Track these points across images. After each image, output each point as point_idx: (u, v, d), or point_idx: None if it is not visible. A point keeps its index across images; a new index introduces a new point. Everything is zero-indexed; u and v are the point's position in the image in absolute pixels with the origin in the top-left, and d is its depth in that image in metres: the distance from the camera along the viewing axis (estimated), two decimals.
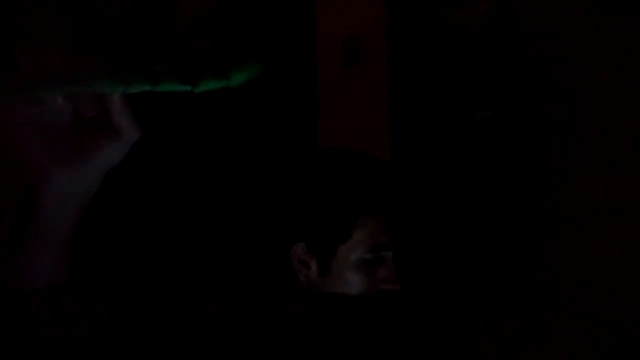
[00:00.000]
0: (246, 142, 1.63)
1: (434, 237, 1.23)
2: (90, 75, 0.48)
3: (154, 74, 0.48)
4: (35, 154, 0.49)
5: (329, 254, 0.86)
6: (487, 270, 1.16)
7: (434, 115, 1.31)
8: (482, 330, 0.78)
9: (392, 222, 0.87)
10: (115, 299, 0.68)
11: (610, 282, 1.00)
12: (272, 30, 1.72)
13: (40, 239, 0.52)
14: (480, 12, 1.25)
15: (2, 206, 0.53)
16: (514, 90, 1.17)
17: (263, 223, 1.03)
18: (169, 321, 0.76)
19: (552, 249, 1.09)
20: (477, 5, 1.25)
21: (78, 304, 0.58)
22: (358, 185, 0.88)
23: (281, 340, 0.78)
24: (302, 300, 0.82)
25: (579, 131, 1.08)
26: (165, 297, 0.80)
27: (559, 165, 1.10)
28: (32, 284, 0.53)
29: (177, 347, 0.75)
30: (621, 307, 0.93)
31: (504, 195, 1.17)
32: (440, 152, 1.28)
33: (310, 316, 0.79)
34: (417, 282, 1.19)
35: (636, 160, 1.01)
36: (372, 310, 0.83)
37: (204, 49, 0.51)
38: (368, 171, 0.90)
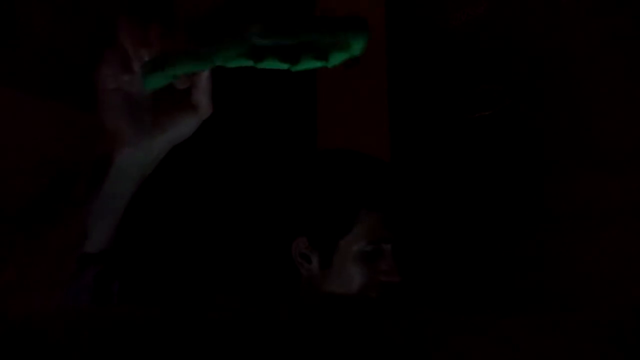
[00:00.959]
0: (246, 142, 1.63)
1: (434, 236, 1.23)
2: (204, 50, 0.48)
3: (258, 49, 0.49)
4: (116, 121, 0.50)
5: (330, 247, 0.87)
6: (487, 270, 1.16)
7: (434, 115, 1.31)
8: (482, 330, 0.78)
9: (391, 217, 0.88)
10: (141, 280, 0.67)
11: (611, 282, 1.00)
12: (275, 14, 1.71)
13: (103, 205, 0.53)
14: (479, 12, 1.25)
15: (81, 166, 0.54)
16: (514, 90, 1.17)
17: (265, 218, 1.04)
18: (164, 322, 0.76)
19: (552, 248, 1.09)
20: (477, 6, 1.25)
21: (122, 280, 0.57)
22: (359, 181, 0.89)
23: (280, 340, 0.78)
24: (301, 302, 0.82)
25: (579, 131, 1.08)
26: (162, 296, 0.79)
27: (559, 165, 1.10)
28: (87, 249, 0.54)
29: (173, 349, 0.75)
30: (622, 307, 0.93)
31: (503, 195, 1.17)
32: (440, 152, 1.28)
33: (309, 316, 0.79)
34: (417, 281, 1.19)
35: (637, 160, 1.01)
36: (372, 310, 0.83)
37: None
38: (368, 168, 0.91)
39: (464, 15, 1.27)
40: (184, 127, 0.53)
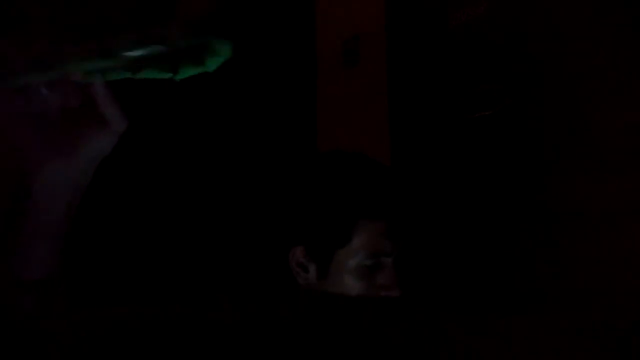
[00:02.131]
0: (246, 142, 1.63)
1: (434, 236, 1.23)
2: (71, 61, 0.48)
3: (134, 61, 0.49)
4: (25, 143, 0.50)
5: (327, 258, 0.85)
6: (487, 270, 1.16)
7: (434, 115, 1.30)
8: (482, 330, 0.78)
9: (393, 228, 0.85)
10: (108, 297, 0.67)
11: (611, 283, 1.00)
12: (272, 30, 1.72)
13: (33, 230, 0.52)
14: (480, 12, 1.25)
15: None
16: (514, 90, 1.17)
17: (263, 225, 1.03)
18: (164, 322, 0.76)
19: (552, 249, 1.09)
20: (477, 6, 1.25)
21: (70, 302, 0.57)
22: (358, 189, 0.87)
23: (279, 342, 0.78)
24: (300, 302, 0.82)
25: (579, 131, 1.08)
26: (161, 297, 0.79)
27: (559, 166, 1.10)
28: (26, 275, 0.53)
29: (172, 349, 0.75)
30: (622, 307, 0.93)
31: (503, 195, 1.17)
32: (440, 152, 1.28)
33: (308, 317, 0.79)
34: (417, 282, 1.19)
35: (637, 160, 1.01)
36: (371, 311, 0.83)
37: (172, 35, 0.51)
38: (369, 175, 0.88)
39: (464, 15, 1.27)
40: (99, 143, 0.52)
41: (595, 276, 1.02)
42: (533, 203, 1.13)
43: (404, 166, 1.34)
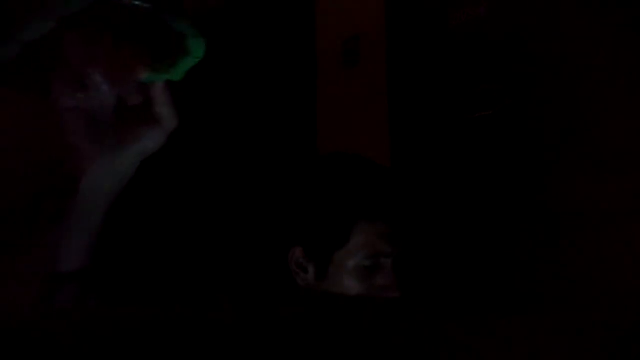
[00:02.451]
0: (246, 142, 1.63)
1: (434, 236, 1.23)
2: (134, 64, 0.49)
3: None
4: (79, 140, 0.51)
5: (326, 259, 0.85)
6: (487, 270, 1.16)
7: (434, 115, 1.30)
8: (482, 330, 0.78)
9: (393, 230, 0.85)
10: (121, 295, 0.68)
11: (611, 283, 1.00)
12: (272, 30, 1.72)
13: (76, 223, 0.53)
14: (480, 12, 1.25)
15: (45, 190, 0.54)
16: (514, 90, 1.17)
17: (262, 225, 1.03)
18: (164, 322, 0.76)
19: (552, 249, 1.09)
20: (477, 6, 1.25)
21: (101, 296, 0.58)
22: (357, 190, 0.86)
23: (279, 342, 0.78)
24: (300, 302, 0.82)
25: (579, 131, 1.08)
26: (161, 296, 0.79)
27: (559, 165, 1.10)
28: (63, 268, 0.54)
29: (172, 349, 0.75)
30: (622, 307, 0.93)
31: (503, 196, 1.17)
32: (440, 152, 1.28)
33: (308, 317, 0.79)
34: (417, 282, 1.19)
35: (637, 160, 1.01)
36: (371, 311, 0.83)
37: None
38: (368, 177, 0.88)
39: (464, 15, 1.27)
40: (149, 141, 0.53)
41: (595, 276, 1.02)
42: (533, 203, 1.13)
43: (404, 166, 1.34)
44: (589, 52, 1.07)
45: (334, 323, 0.79)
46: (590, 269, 1.03)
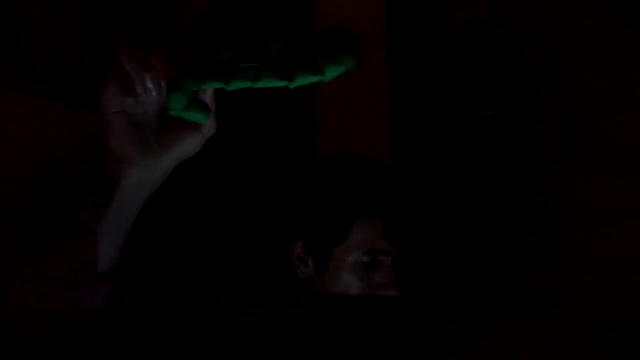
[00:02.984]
0: (246, 142, 1.63)
1: (434, 237, 1.23)
2: (197, 72, 0.50)
3: (254, 70, 0.50)
4: (121, 143, 0.52)
5: (325, 254, 0.86)
6: (487, 270, 1.16)
7: (434, 115, 1.31)
8: (482, 330, 0.78)
9: (391, 227, 0.85)
10: (150, 294, 0.68)
11: (611, 283, 1.00)
12: (272, 30, 1.72)
13: (111, 224, 0.54)
14: (479, 12, 1.25)
15: (88, 188, 0.55)
16: (514, 90, 1.17)
17: (263, 220, 1.03)
18: (164, 322, 0.77)
19: (552, 249, 1.09)
20: (477, 6, 1.25)
21: (134, 295, 0.59)
22: (357, 186, 0.87)
23: (279, 342, 0.78)
24: (301, 302, 0.82)
25: (579, 131, 1.08)
26: (162, 296, 0.80)
27: (559, 166, 1.10)
28: (99, 266, 0.55)
29: (173, 349, 0.76)
30: (622, 308, 0.93)
31: (503, 196, 1.17)
32: (440, 152, 1.28)
33: (309, 317, 0.79)
34: (416, 282, 1.19)
35: (637, 160, 1.01)
36: (371, 311, 0.83)
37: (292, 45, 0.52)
38: (368, 173, 0.89)
39: (464, 15, 1.27)
40: (188, 146, 0.54)
41: (595, 277, 1.02)
42: (533, 203, 1.13)
43: (404, 166, 1.34)
44: (589, 52, 1.07)
45: (334, 323, 0.79)
46: (590, 270, 1.03)
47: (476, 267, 1.17)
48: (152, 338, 0.72)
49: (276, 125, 1.62)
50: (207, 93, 0.54)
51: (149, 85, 0.50)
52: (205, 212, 1.54)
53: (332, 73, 0.50)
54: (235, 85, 0.50)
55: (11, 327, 0.56)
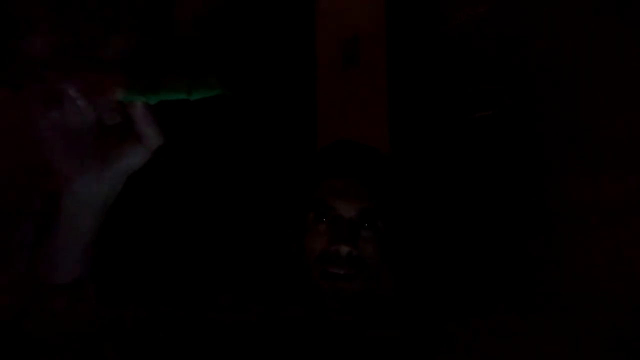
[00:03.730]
0: (246, 143, 1.63)
1: (435, 237, 1.23)
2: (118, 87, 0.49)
3: (157, 85, 0.51)
4: (59, 158, 0.51)
5: (302, 220, 0.88)
6: (487, 270, 1.16)
7: (434, 115, 1.31)
8: (482, 330, 0.78)
9: (349, 187, 0.86)
10: (125, 298, 0.69)
11: (611, 283, 1.00)
12: (272, 30, 1.72)
13: (62, 239, 0.54)
14: (479, 12, 1.25)
15: (28, 208, 0.55)
16: (514, 90, 1.17)
17: (264, 215, 1.03)
18: (165, 322, 0.77)
19: (552, 249, 1.09)
20: (477, 6, 1.25)
21: (97, 303, 0.60)
22: (324, 152, 0.92)
23: (280, 341, 0.78)
24: (301, 302, 0.82)
25: (579, 131, 1.08)
26: (169, 295, 0.80)
27: (559, 166, 1.10)
28: (55, 280, 0.55)
29: (173, 348, 0.76)
30: (622, 307, 0.93)
31: (503, 196, 1.17)
32: (441, 152, 1.28)
33: (309, 317, 0.79)
34: (417, 282, 1.19)
35: (638, 160, 1.01)
36: (372, 310, 0.83)
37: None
38: (340, 144, 0.94)
39: (464, 15, 1.27)
40: (132, 158, 0.54)
41: (596, 277, 1.02)
42: (533, 203, 1.13)
43: (404, 166, 1.34)
44: (589, 52, 1.07)
45: (334, 323, 0.79)
46: (590, 270, 1.03)
47: (476, 267, 1.17)
48: (153, 339, 0.72)
49: (276, 123, 1.62)
50: (137, 106, 0.53)
51: (72, 94, 0.49)
52: (204, 212, 1.53)
53: (197, 95, 0.53)
54: (150, 100, 0.51)
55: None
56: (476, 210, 1.20)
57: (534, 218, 1.12)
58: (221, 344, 0.75)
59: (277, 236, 0.95)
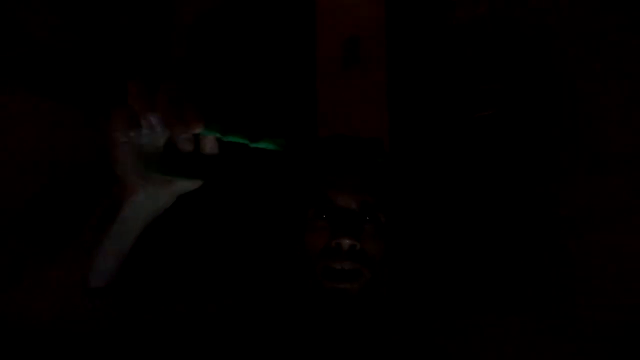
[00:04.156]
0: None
1: (435, 237, 1.23)
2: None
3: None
4: (126, 170, 0.55)
5: (303, 216, 0.87)
6: (488, 270, 1.16)
7: (434, 115, 1.31)
8: (484, 331, 0.78)
9: (346, 181, 0.85)
10: (126, 298, 0.70)
11: (612, 283, 1.00)
12: (272, 30, 1.72)
13: (110, 246, 0.59)
14: (480, 12, 1.25)
15: (91, 211, 0.59)
16: (514, 90, 1.17)
17: (265, 216, 1.03)
18: (165, 320, 0.77)
19: (553, 249, 1.09)
20: (477, 5, 1.25)
21: (125, 308, 0.63)
22: (320, 151, 0.91)
23: (280, 341, 0.78)
24: (301, 302, 0.82)
25: (580, 131, 1.08)
26: (164, 295, 0.80)
27: (559, 166, 1.10)
28: (93, 283, 0.60)
29: (173, 347, 0.76)
30: (622, 308, 0.93)
31: (505, 196, 1.17)
32: (440, 152, 1.28)
33: (309, 317, 0.79)
34: (418, 282, 1.19)
35: (638, 159, 1.01)
36: (373, 310, 0.83)
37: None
38: (338, 139, 0.92)
39: (465, 14, 1.27)
40: (187, 183, 0.59)
41: (596, 276, 1.02)
42: (533, 203, 1.13)
43: (404, 165, 1.34)
44: (589, 52, 1.07)
45: (334, 323, 0.79)
46: (591, 270, 1.03)
47: (477, 267, 1.17)
48: (154, 338, 0.72)
49: (277, 123, 1.62)
50: (209, 138, 0.57)
51: (154, 122, 0.53)
52: (204, 212, 1.54)
53: (269, 145, 0.57)
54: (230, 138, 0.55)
55: (10, 329, 0.59)
56: (476, 210, 1.20)
57: (534, 218, 1.12)
58: (222, 344, 0.75)
59: (277, 235, 0.95)
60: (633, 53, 1.03)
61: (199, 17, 1.82)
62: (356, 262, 0.79)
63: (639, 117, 1.03)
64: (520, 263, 1.12)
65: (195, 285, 0.83)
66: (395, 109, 1.39)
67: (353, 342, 0.77)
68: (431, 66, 1.33)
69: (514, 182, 1.15)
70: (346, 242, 0.78)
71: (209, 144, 0.56)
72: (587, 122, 1.07)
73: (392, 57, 1.41)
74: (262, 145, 0.56)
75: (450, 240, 1.22)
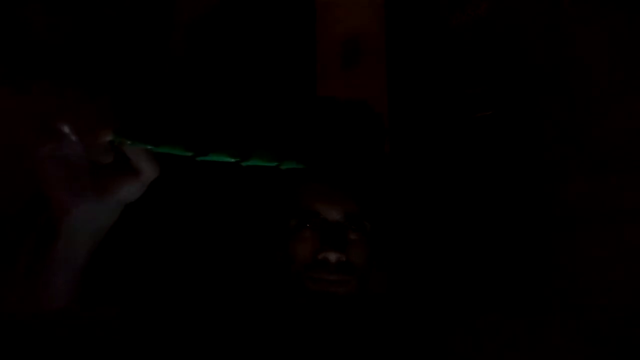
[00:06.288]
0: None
1: (435, 237, 1.23)
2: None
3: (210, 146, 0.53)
4: (56, 188, 0.52)
5: (285, 225, 0.87)
6: (487, 270, 1.16)
7: (434, 115, 1.30)
8: (484, 331, 0.78)
9: (331, 191, 0.84)
10: (119, 299, 0.69)
11: (611, 283, 1.00)
12: (272, 31, 1.72)
13: (56, 265, 0.55)
14: (480, 12, 1.25)
15: (24, 234, 0.57)
16: (514, 91, 1.17)
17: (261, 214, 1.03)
18: (165, 321, 0.77)
19: (552, 249, 1.09)
20: (477, 6, 1.25)
21: (88, 325, 0.61)
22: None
23: (279, 341, 0.78)
24: (300, 302, 0.82)
25: (579, 131, 1.08)
26: (162, 296, 0.79)
27: (559, 166, 1.10)
28: (47, 305, 0.57)
29: (173, 347, 0.75)
30: (621, 308, 0.93)
31: (504, 196, 1.17)
32: (440, 152, 1.28)
33: (308, 317, 0.79)
34: (418, 282, 1.19)
35: (638, 159, 1.01)
36: (373, 311, 0.83)
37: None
38: None
39: (464, 15, 1.27)
40: (128, 190, 0.55)
41: (596, 277, 1.02)
42: (533, 203, 1.13)
43: (403, 166, 1.34)
44: (589, 52, 1.07)
45: (333, 323, 0.79)
46: (591, 270, 1.03)
47: (476, 268, 1.17)
48: (150, 338, 0.72)
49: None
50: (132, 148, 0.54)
51: (66, 129, 0.50)
52: (201, 217, 1.53)
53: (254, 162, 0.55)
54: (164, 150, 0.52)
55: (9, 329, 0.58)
56: (475, 211, 1.20)
57: (533, 218, 1.12)
58: (212, 347, 0.75)
59: (260, 245, 0.94)
60: (634, 53, 1.03)
61: (199, 17, 1.82)
62: (344, 274, 0.79)
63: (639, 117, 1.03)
64: (520, 263, 1.12)
65: (183, 290, 0.83)
66: (395, 109, 1.39)
67: (345, 343, 0.77)
68: (431, 66, 1.33)
69: (513, 183, 1.16)
70: (333, 256, 0.79)
71: (132, 150, 0.53)
72: (587, 122, 1.07)
73: (392, 57, 1.41)
74: (255, 163, 0.53)
75: (450, 240, 1.22)
